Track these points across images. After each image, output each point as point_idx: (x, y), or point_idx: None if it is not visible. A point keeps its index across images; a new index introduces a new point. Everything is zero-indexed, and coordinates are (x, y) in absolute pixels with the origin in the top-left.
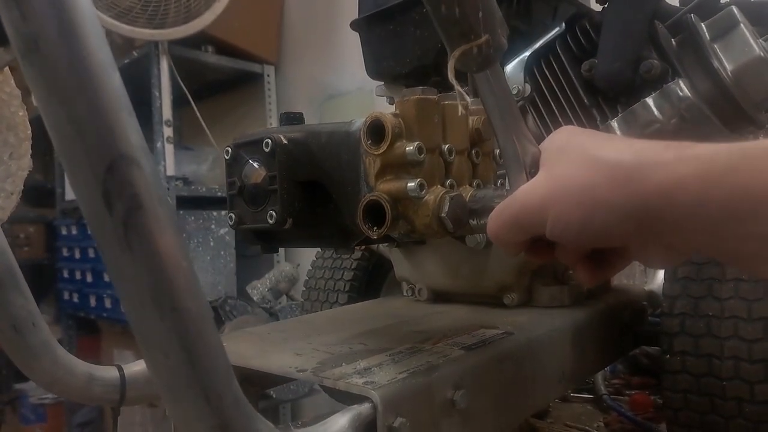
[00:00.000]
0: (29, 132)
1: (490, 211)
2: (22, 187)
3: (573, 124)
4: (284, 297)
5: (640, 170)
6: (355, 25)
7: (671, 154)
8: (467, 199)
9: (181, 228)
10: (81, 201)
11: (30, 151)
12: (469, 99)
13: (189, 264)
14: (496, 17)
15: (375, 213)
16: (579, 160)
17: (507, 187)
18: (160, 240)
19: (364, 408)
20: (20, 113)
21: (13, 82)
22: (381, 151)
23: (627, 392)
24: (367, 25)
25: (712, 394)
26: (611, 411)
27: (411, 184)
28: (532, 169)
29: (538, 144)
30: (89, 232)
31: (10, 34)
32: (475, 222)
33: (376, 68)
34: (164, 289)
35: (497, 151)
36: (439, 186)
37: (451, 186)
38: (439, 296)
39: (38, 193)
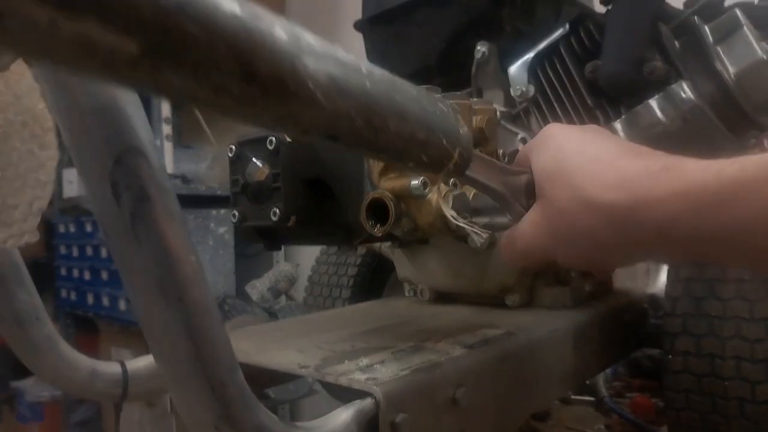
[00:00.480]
0: (50, 123)
1: (492, 210)
2: (54, 176)
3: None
4: (283, 297)
5: (635, 212)
6: (358, 26)
7: (662, 187)
8: (471, 198)
9: None
10: (90, 192)
11: (56, 142)
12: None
13: (195, 254)
14: (456, 129)
15: (378, 211)
16: (573, 200)
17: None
18: (166, 230)
19: (366, 403)
20: (40, 105)
21: (30, 74)
22: None
23: (628, 395)
24: (370, 25)
25: (714, 393)
26: (612, 413)
27: (414, 182)
28: (529, 194)
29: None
30: (97, 222)
31: None
32: (478, 220)
33: None
34: (170, 278)
35: (501, 151)
36: (442, 184)
37: (454, 184)
38: (441, 297)
39: None
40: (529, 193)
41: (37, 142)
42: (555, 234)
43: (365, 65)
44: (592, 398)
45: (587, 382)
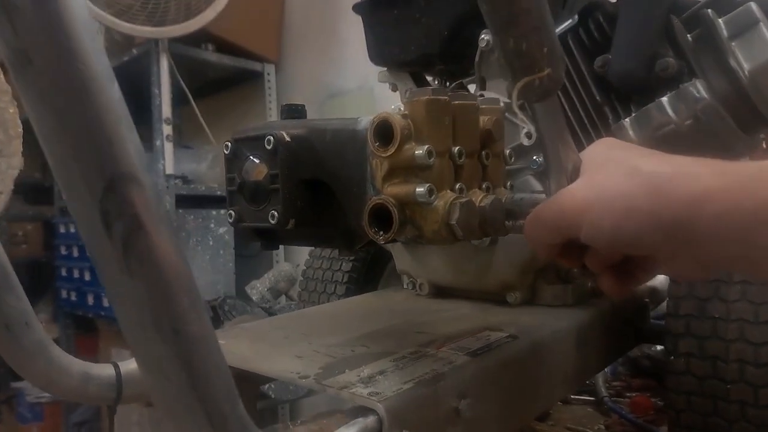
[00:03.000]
0: (20, 130)
1: (527, 214)
2: (13, 187)
3: (583, 122)
4: (283, 297)
5: (673, 181)
6: (358, 9)
7: (703, 168)
8: (504, 201)
9: (180, 227)
10: (78, 221)
11: (21, 150)
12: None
13: (192, 285)
14: (557, 54)
15: (381, 217)
16: (618, 170)
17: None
18: (161, 261)
19: (370, 421)
20: (10, 110)
21: (2, 77)
22: (389, 153)
23: (628, 394)
24: (370, 9)
25: (716, 396)
26: (612, 413)
27: (420, 190)
28: (573, 176)
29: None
30: (87, 252)
31: (1, 49)
32: (510, 223)
33: (379, 54)
34: (166, 311)
35: (507, 152)
36: (448, 191)
37: (461, 190)
38: (441, 291)
39: (36, 191)
40: (572, 177)
41: None
42: (589, 196)
43: None
44: (591, 398)
45: (587, 382)
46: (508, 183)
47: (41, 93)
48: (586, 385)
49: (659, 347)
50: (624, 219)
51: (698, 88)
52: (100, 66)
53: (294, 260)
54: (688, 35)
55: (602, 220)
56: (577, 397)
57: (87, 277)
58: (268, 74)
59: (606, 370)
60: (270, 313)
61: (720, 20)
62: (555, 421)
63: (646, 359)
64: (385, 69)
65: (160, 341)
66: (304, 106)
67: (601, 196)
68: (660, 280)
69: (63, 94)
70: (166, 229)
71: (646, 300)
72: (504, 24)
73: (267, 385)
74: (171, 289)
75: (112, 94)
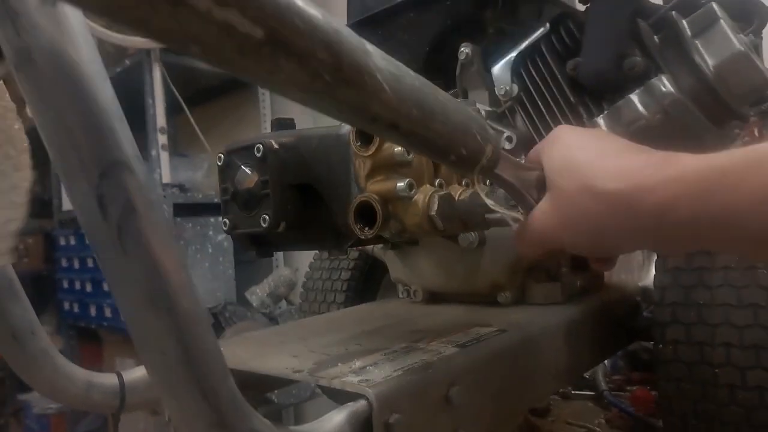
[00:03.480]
0: (26, 144)
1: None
2: (28, 197)
3: (560, 123)
4: (283, 301)
5: (635, 198)
6: None
7: (659, 174)
8: (485, 195)
9: (179, 235)
10: (76, 207)
11: (30, 163)
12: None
13: (182, 264)
14: (488, 131)
15: (366, 214)
16: (580, 190)
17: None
18: (153, 242)
19: (360, 405)
20: (16, 126)
21: (8, 95)
22: (370, 152)
23: (628, 388)
24: (355, 30)
25: (705, 381)
26: (612, 407)
27: (400, 184)
28: (540, 187)
29: (536, 143)
30: (85, 236)
31: (4, 48)
32: (490, 216)
33: None
34: (159, 289)
35: None
36: (428, 185)
37: (440, 185)
38: (434, 297)
39: (36, 204)
40: (540, 187)
41: (11, 163)
42: (563, 221)
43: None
44: (591, 392)
45: (587, 376)
46: (488, 181)
47: (41, 88)
48: (585, 379)
49: None
50: (598, 238)
51: (664, 83)
52: (95, 65)
53: (293, 265)
54: (655, 37)
55: (579, 242)
56: (577, 391)
57: (89, 288)
58: None
59: (606, 363)
60: (270, 318)
61: (684, 21)
62: (555, 416)
63: (644, 352)
64: None
65: (155, 317)
66: (293, 119)
67: (572, 221)
68: (651, 280)
69: (61, 90)
70: (157, 212)
71: (638, 299)
72: (440, 158)
73: (270, 392)
74: (163, 267)
75: (105, 91)
